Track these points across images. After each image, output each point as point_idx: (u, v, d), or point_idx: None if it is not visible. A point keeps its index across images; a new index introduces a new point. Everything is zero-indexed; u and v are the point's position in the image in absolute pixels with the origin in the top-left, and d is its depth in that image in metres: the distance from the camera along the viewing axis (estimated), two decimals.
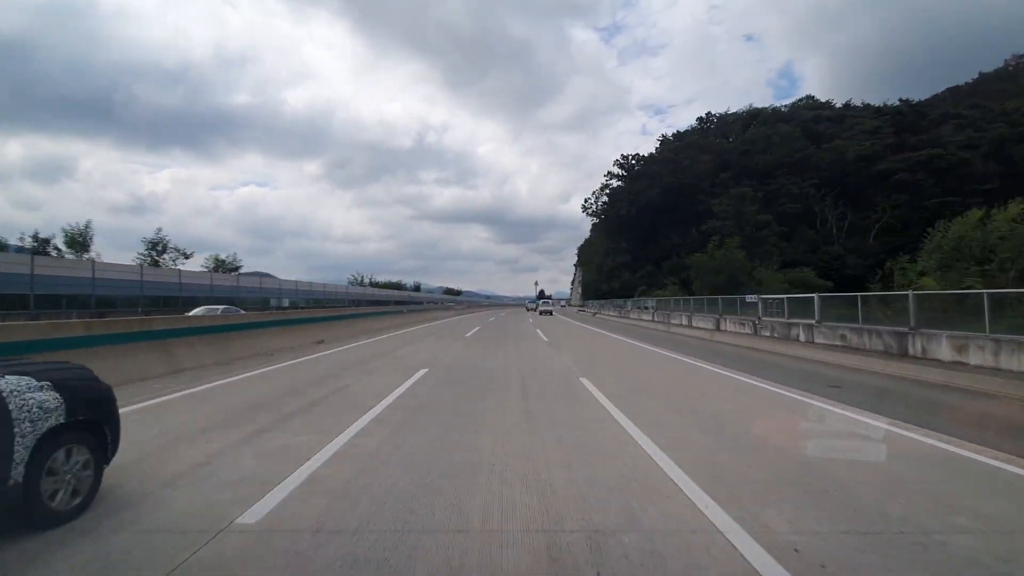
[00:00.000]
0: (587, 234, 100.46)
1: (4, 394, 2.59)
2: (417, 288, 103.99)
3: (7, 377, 2.69)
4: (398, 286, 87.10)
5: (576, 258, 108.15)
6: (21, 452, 2.60)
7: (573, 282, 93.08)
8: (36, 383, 2.78)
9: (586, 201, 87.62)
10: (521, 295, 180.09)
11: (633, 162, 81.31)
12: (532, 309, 66.53)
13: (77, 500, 2.94)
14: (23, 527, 2.71)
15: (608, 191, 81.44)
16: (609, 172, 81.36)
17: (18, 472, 2.59)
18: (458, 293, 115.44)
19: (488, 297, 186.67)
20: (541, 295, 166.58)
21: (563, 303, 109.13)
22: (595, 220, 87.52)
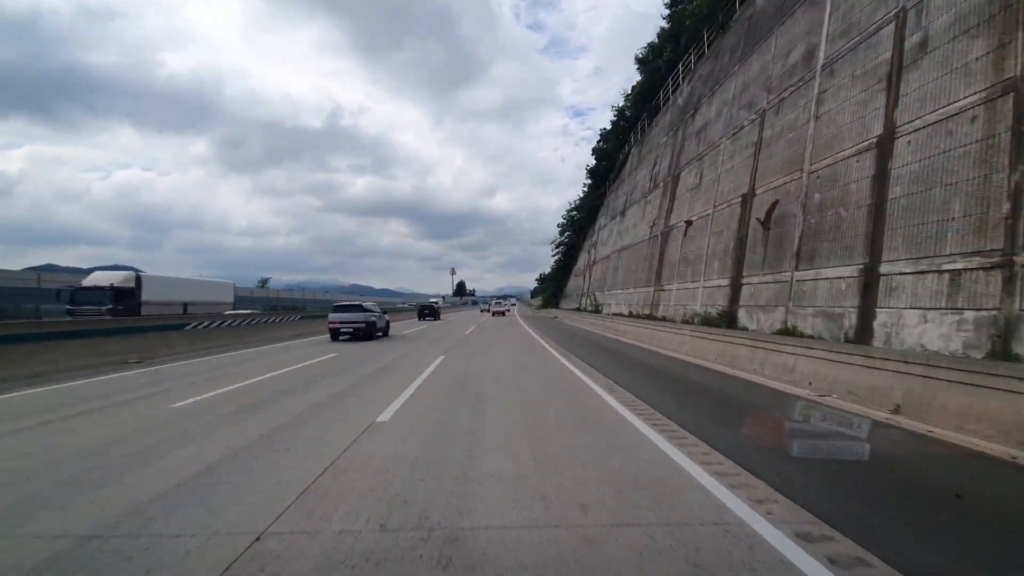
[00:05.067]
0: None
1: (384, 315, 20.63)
2: None
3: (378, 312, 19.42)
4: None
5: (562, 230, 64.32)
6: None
7: (564, 266, 58.76)
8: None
9: None
10: (442, 293, 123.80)
11: None
12: (486, 310, 50.59)
13: None
14: None
15: None
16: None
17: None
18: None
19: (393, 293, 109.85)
20: (461, 289, 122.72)
21: (513, 301, 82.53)
22: None
